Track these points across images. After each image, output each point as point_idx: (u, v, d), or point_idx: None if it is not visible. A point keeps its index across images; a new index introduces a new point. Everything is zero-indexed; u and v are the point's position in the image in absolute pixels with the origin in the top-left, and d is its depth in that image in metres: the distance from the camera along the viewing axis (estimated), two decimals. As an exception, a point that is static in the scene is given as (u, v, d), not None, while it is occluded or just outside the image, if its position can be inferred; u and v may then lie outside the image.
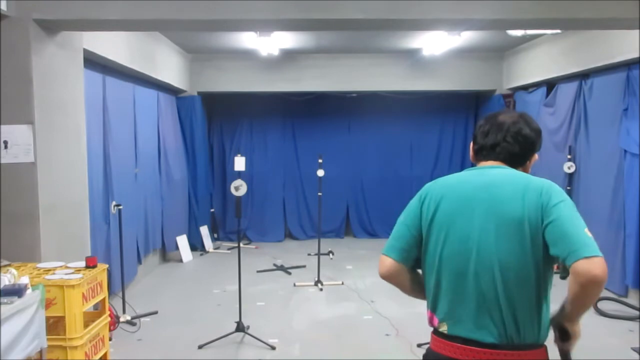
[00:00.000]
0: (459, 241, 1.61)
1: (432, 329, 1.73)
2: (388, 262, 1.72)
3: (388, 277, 1.74)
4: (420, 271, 1.78)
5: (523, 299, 1.55)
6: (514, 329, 1.55)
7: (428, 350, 1.73)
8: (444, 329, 1.65)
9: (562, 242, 1.49)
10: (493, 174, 1.67)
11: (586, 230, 1.50)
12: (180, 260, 6.95)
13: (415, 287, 1.79)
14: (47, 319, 2.61)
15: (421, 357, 1.83)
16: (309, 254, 7.19)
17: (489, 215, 1.58)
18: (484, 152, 1.74)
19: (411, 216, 1.72)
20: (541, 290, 1.57)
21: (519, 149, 1.70)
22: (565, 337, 1.63)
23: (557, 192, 1.57)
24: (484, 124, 1.76)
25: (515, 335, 1.56)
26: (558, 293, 1.67)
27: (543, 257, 1.55)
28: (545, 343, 1.63)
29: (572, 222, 1.51)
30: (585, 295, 1.48)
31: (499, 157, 1.72)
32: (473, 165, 1.80)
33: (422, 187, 1.78)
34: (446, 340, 1.64)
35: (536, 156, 1.77)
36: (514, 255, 1.55)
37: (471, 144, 1.82)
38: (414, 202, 1.75)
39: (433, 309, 1.69)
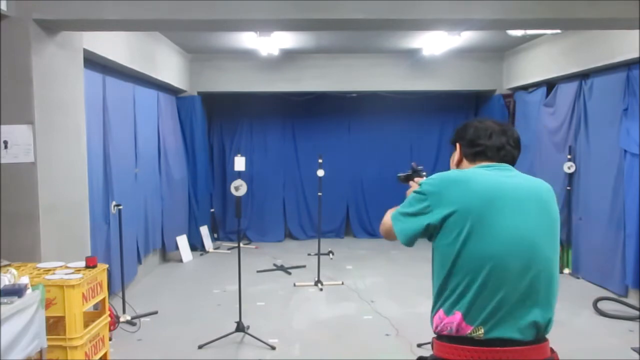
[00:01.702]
0: (517, 240, 1.57)
1: (442, 336, 1.63)
2: (393, 237, 1.78)
3: (388, 239, 1.87)
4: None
5: (557, 290, 1.66)
6: (552, 323, 1.63)
7: None
8: (479, 333, 1.56)
9: None
10: (517, 174, 1.72)
11: None
12: (180, 260, 6.95)
13: None
14: (47, 319, 2.61)
15: (422, 357, 1.78)
16: (309, 254, 7.19)
17: (540, 215, 1.63)
18: (489, 154, 1.73)
19: (422, 213, 1.66)
20: None
21: (517, 154, 1.78)
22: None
23: None
24: (476, 130, 1.76)
25: (550, 327, 1.63)
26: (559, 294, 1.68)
27: None
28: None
29: None
30: None
31: (503, 160, 1.74)
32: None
33: (436, 182, 1.67)
34: (479, 346, 1.56)
35: None
36: (556, 252, 1.68)
37: (458, 146, 1.80)
38: (427, 200, 1.65)
39: (467, 313, 1.57)
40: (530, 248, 1.58)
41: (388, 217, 1.82)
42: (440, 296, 1.64)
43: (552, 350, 1.66)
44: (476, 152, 1.75)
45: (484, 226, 1.57)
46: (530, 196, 1.64)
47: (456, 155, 1.82)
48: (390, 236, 1.81)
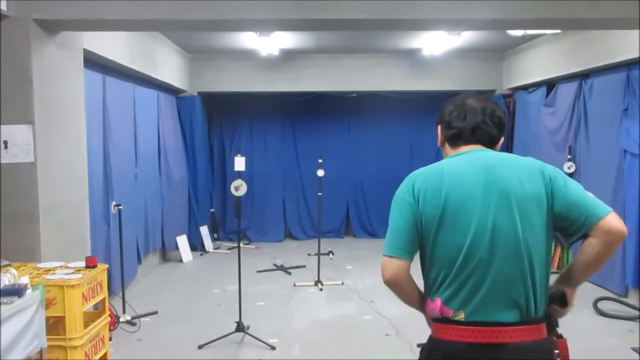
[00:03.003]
0: (479, 227, 1.58)
1: (434, 318, 1.69)
2: (396, 264, 1.65)
3: (397, 280, 1.68)
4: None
5: (541, 275, 1.61)
6: (534, 305, 1.60)
7: (435, 341, 1.67)
8: (460, 317, 1.61)
9: (577, 208, 1.58)
10: (488, 156, 1.68)
11: (588, 193, 1.63)
12: (180, 260, 6.95)
13: (416, 292, 1.75)
14: (47, 319, 2.60)
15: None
16: (309, 254, 7.19)
17: (503, 197, 1.59)
18: (464, 136, 1.74)
19: (409, 212, 1.67)
20: (549, 264, 1.66)
21: (497, 132, 1.75)
22: (564, 303, 1.68)
23: (552, 167, 1.67)
24: (454, 109, 1.76)
25: (533, 311, 1.60)
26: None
27: (550, 231, 1.63)
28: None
29: (577, 188, 1.63)
30: (609, 251, 1.58)
31: (480, 141, 1.73)
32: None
33: (407, 180, 1.72)
34: (462, 326, 1.61)
35: (502, 139, 1.80)
36: (532, 232, 1.59)
37: (439, 128, 1.81)
38: (406, 197, 1.68)
39: (448, 300, 1.63)
40: (494, 233, 1.58)
41: (386, 261, 1.69)
42: (425, 287, 1.73)
43: (560, 336, 1.67)
44: (452, 135, 1.77)
45: (451, 218, 1.61)
46: (490, 179, 1.61)
47: (438, 138, 1.84)
48: (401, 281, 1.69)
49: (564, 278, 1.69)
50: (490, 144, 1.75)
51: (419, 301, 1.76)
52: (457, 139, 1.75)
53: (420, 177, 1.70)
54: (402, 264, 1.66)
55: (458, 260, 1.60)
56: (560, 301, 1.68)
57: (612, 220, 1.55)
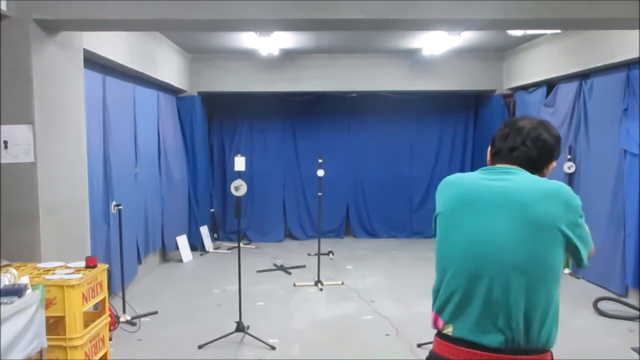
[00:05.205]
0: (476, 244, 1.59)
1: (434, 330, 1.71)
2: None
3: None
4: None
5: (538, 304, 1.54)
6: (524, 334, 1.53)
7: (431, 352, 1.71)
8: (448, 330, 1.62)
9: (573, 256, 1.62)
10: (511, 177, 1.64)
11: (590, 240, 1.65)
12: (180, 260, 6.95)
13: None
14: (47, 319, 2.61)
15: (421, 357, 1.82)
16: (309, 254, 7.19)
17: (509, 219, 1.56)
18: (501, 155, 1.73)
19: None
20: (556, 294, 1.58)
21: (537, 154, 1.70)
22: None
23: (577, 205, 1.63)
24: (503, 128, 1.76)
25: (523, 340, 1.53)
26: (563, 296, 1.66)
27: (559, 261, 1.57)
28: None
29: (585, 244, 1.61)
30: None
31: (516, 161, 1.70)
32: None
33: (443, 181, 1.81)
34: (450, 343, 1.61)
35: (554, 164, 1.76)
36: (533, 259, 1.54)
37: (489, 148, 1.82)
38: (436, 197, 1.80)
39: (439, 310, 1.66)
40: (487, 253, 1.56)
41: None
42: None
43: None
44: (493, 154, 1.78)
45: (450, 229, 1.67)
46: (500, 200, 1.59)
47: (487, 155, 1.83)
48: None
49: None
50: (528, 166, 1.70)
51: None
52: (496, 157, 1.75)
53: (450, 182, 1.77)
54: None
55: (451, 271, 1.63)
56: None
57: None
